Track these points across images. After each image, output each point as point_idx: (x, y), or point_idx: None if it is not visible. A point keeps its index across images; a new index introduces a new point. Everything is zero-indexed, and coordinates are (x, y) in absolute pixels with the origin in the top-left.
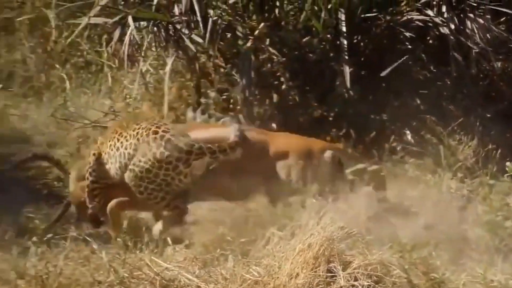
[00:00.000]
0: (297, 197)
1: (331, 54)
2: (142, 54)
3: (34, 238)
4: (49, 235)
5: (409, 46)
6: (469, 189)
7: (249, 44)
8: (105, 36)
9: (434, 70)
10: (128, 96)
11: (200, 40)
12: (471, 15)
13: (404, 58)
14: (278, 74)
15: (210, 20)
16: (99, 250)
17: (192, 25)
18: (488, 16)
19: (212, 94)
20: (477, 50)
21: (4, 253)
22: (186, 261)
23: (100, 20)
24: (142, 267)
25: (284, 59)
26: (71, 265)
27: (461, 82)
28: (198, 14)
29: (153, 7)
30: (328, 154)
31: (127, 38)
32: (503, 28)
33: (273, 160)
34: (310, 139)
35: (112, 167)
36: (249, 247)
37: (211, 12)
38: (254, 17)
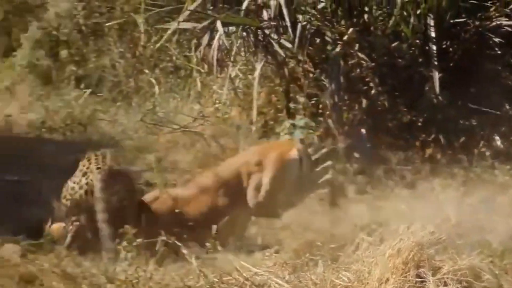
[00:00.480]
0: (387, 202)
1: (420, 60)
2: (231, 59)
3: (124, 243)
4: (139, 240)
5: (498, 52)
6: None
7: (338, 49)
8: (194, 41)
9: None
10: (217, 101)
11: (289, 45)
12: None
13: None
14: (367, 79)
15: (299, 25)
16: (189, 255)
17: (281, 30)
18: None
19: (301, 99)
20: None
21: (94, 258)
22: (276, 266)
23: (189, 25)
24: (232, 272)
25: (373, 64)
26: (161, 270)
27: None
28: (287, 19)
29: (242, 12)
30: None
31: (216, 43)
32: None
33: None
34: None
35: None
36: (338, 253)
37: (300, 17)
38: (343, 22)
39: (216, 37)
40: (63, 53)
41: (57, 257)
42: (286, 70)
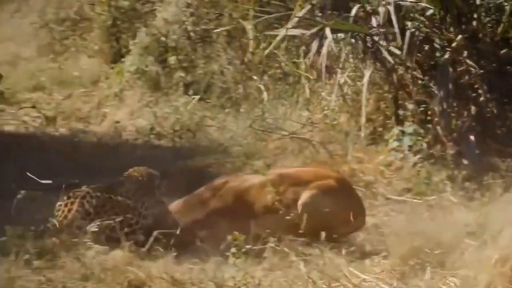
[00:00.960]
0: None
1: None
2: (340, 66)
3: (233, 249)
4: (248, 246)
5: None
6: None
7: (446, 56)
8: (302, 48)
9: None
10: (325, 108)
11: (397, 52)
12: None
13: None
14: (476, 86)
15: (408, 32)
16: (297, 261)
17: (390, 37)
18: None
19: (410, 106)
20: None
21: (203, 264)
22: (384, 273)
23: (297, 32)
24: (340, 278)
25: (481, 71)
26: (270, 275)
27: None
28: (395, 26)
29: (351, 19)
30: None
31: (324, 50)
32: None
33: None
34: None
35: None
36: (445, 258)
37: (408, 24)
38: (451, 29)
39: (325, 44)
40: (172, 59)
41: (165, 263)
42: (394, 77)
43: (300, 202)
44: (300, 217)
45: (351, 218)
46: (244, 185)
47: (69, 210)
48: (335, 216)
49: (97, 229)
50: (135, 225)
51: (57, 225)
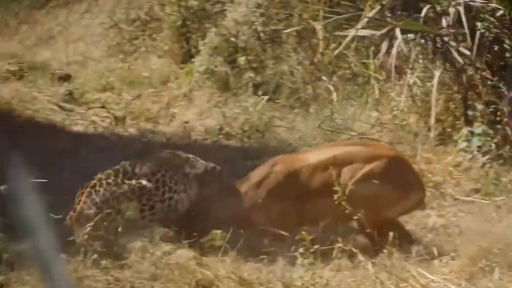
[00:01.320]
0: None
1: None
2: (410, 66)
3: (301, 249)
4: (316, 246)
5: None
6: None
7: None
8: (372, 48)
9: None
10: (395, 108)
11: (467, 52)
12: None
13: None
14: None
15: (478, 32)
16: (365, 261)
17: (460, 37)
18: None
19: (479, 106)
20: None
21: (271, 264)
22: (452, 274)
23: (367, 32)
24: (408, 278)
25: None
26: (337, 276)
27: None
28: (465, 26)
29: (421, 20)
30: None
31: (394, 50)
32: None
33: None
34: None
35: None
36: None
37: (478, 24)
38: None
39: (395, 45)
40: (241, 59)
41: (233, 263)
42: (464, 78)
43: (350, 184)
44: (350, 200)
45: (407, 196)
46: (297, 166)
47: (79, 202)
48: (389, 196)
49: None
50: (155, 208)
51: (69, 220)
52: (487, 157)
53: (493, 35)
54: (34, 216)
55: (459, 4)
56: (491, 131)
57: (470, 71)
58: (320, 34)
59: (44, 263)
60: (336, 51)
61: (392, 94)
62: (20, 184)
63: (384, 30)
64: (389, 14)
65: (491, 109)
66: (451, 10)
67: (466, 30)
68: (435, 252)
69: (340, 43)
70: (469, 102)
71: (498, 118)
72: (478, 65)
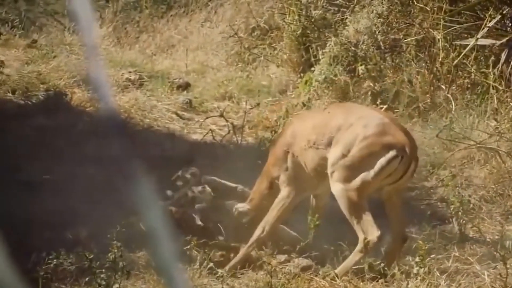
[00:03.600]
0: None
1: None
2: None
3: (417, 258)
4: (432, 255)
5: None
6: None
7: None
8: (492, 58)
9: None
10: None
11: None
12: None
13: None
14: None
15: None
16: (480, 270)
17: None
18: None
19: None
20: None
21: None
22: None
23: (487, 42)
24: None
25: None
26: (453, 285)
27: None
28: None
29: None
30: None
31: None
32: None
33: None
34: None
35: None
36: None
37: None
38: None
39: None
40: (361, 68)
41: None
42: None
43: None
44: None
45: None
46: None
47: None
48: None
49: None
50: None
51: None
52: None
53: None
54: (153, 225)
55: None
56: None
57: None
58: (440, 43)
59: (163, 271)
60: (456, 61)
61: (511, 103)
62: (139, 192)
63: (504, 40)
64: (510, 24)
65: None
66: None
67: None
68: None
69: (460, 53)
70: None
71: None
72: None
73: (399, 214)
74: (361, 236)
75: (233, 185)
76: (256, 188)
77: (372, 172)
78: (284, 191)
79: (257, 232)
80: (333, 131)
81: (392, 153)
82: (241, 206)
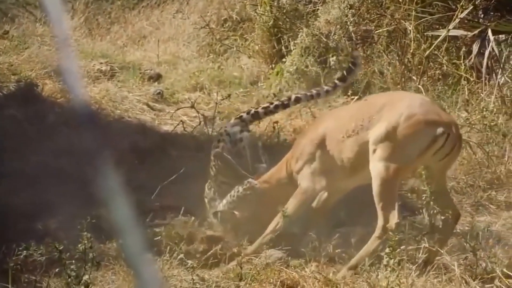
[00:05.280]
0: None
1: None
2: (500, 67)
3: (387, 249)
4: (402, 247)
5: None
6: None
7: None
8: (463, 49)
9: None
10: (484, 109)
11: None
12: None
13: None
14: None
15: None
16: (450, 261)
17: None
18: None
19: None
20: None
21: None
22: None
23: (459, 33)
24: (495, 279)
25: None
26: (423, 277)
27: None
28: None
29: None
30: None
31: (487, 52)
32: None
33: None
34: None
35: None
36: None
37: None
38: None
39: (487, 46)
40: (332, 59)
41: (318, 263)
42: None
43: None
44: None
45: None
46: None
47: None
48: None
49: None
50: None
51: None
52: None
53: None
54: (123, 216)
55: None
56: None
57: None
58: (412, 34)
59: (132, 262)
60: (427, 52)
61: (482, 94)
62: (109, 183)
63: (476, 31)
64: (482, 15)
65: None
66: None
67: None
68: None
69: (431, 44)
70: None
71: None
72: None
73: (447, 193)
74: (380, 222)
75: (245, 173)
76: (274, 174)
77: (417, 150)
78: (306, 183)
79: (273, 224)
80: (374, 112)
81: (439, 130)
82: (251, 182)
